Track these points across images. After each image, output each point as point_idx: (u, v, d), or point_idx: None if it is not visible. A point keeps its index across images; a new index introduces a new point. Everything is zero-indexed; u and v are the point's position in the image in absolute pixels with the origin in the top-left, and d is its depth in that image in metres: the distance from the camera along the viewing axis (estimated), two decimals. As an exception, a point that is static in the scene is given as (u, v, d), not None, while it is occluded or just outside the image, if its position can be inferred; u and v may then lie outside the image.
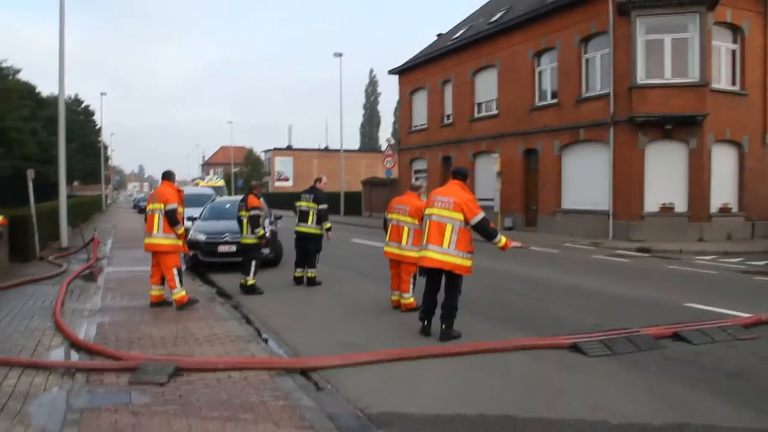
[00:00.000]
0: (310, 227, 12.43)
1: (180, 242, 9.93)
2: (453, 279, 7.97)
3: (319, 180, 13.00)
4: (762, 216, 22.90)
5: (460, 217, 7.75)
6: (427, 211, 8.09)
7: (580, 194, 24.53)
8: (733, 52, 23.04)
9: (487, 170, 29.10)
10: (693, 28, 21.39)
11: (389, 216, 10.01)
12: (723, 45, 22.75)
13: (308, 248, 12.48)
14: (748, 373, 6.55)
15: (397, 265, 9.80)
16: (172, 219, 9.65)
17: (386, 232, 10.11)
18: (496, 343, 7.55)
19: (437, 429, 5.09)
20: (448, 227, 7.80)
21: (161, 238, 9.74)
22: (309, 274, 12.50)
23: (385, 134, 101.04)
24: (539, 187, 26.65)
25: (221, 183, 42.40)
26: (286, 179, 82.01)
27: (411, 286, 9.74)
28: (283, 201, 61.52)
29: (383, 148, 41.15)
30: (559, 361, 6.98)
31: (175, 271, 9.77)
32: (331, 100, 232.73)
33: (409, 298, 9.75)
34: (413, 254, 9.26)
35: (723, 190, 22.52)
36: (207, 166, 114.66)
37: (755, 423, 5.18)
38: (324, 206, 12.50)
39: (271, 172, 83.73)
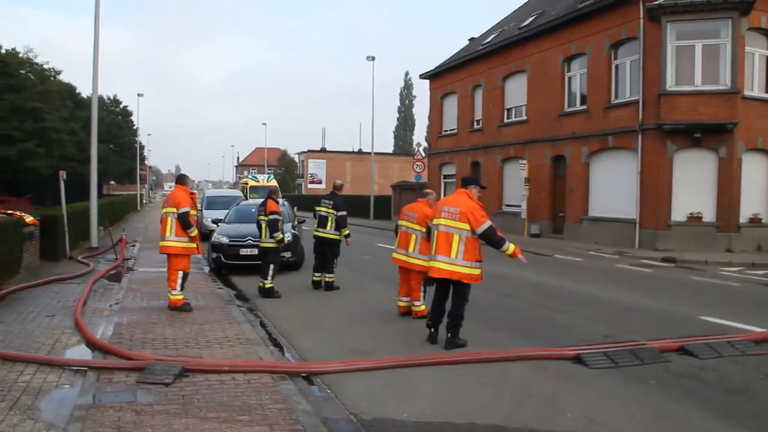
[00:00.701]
0: (328, 233, 12.64)
1: (193, 245, 10.21)
2: (461, 288, 8.06)
3: (340, 187, 13.27)
4: (794, 227, 22.54)
5: (467, 226, 7.84)
6: (435, 222, 8.18)
7: (607, 202, 24.33)
8: (767, 58, 22.66)
9: (515, 176, 29.05)
10: (725, 34, 21.09)
11: (399, 223, 10.13)
12: (757, 51, 22.33)
13: (326, 253, 12.68)
14: (750, 390, 6.53)
15: (407, 272, 9.91)
16: (184, 222, 9.95)
17: (396, 238, 10.24)
18: (498, 352, 7.64)
19: (427, 437, 5.21)
20: (456, 237, 7.90)
21: (174, 241, 10.07)
22: (327, 279, 12.70)
23: (419, 138, 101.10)
24: (566, 194, 26.50)
25: (274, 183, 36.09)
26: (319, 181, 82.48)
27: (422, 294, 9.83)
28: (315, 203, 62.02)
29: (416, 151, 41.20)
30: (560, 372, 7.03)
31: (180, 274, 10.11)
32: (365, 103, 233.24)
33: (420, 306, 9.84)
34: (420, 262, 9.43)
35: (753, 200, 22.13)
36: (241, 167, 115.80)
37: (744, 440, 5.20)
38: (343, 213, 12.73)
39: (304, 174, 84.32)
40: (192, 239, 10.13)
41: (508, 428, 5.35)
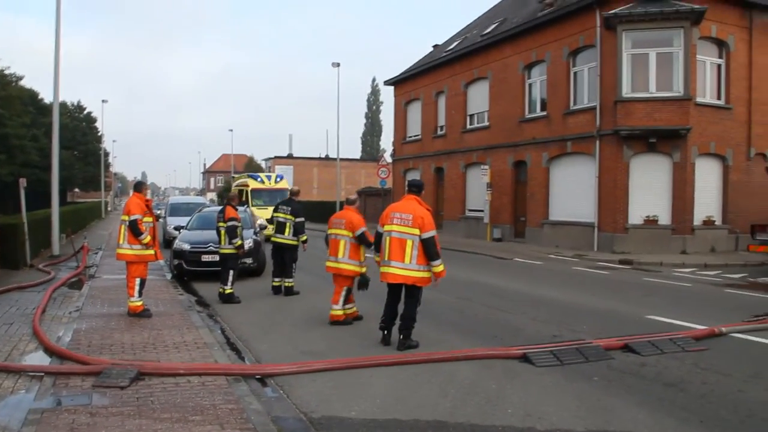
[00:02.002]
0: (286, 238, 12.85)
1: (148, 252, 10.29)
2: (413, 291, 8.30)
3: (297, 192, 13.51)
4: (745, 229, 23.12)
5: (419, 231, 8.08)
6: (387, 228, 8.35)
7: (566, 206, 24.86)
8: (719, 66, 23.36)
9: (478, 181, 29.49)
10: (678, 42, 21.73)
11: (328, 231, 10.28)
12: (708, 59, 23.07)
13: (285, 258, 12.87)
14: (683, 383, 6.85)
15: (337, 279, 10.01)
16: (134, 230, 10.06)
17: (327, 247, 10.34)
18: (448, 352, 7.87)
19: (372, 432, 5.42)
20: (409, 243, 8.13)
21: (127, 248, 10.21)
22: (286, 284, 12.87)
23: (386, 144, 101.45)
24: (528, 199, 27.00)
25: (284, 184, 31.81)
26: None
27: (341, 299, 9.88)
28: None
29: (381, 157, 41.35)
30: (506, 370, 7.29)
31: (137, 281, 10.20)
32: (333, 109, 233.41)
33: (338, 311, 9.90)
34: (350, 267, 9.71)
35: (707, 203, 22.82)
36: (208, 173, 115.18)
37: (672, 430, 5.49)
38: (301, 219, 12.99)
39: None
40: (145, 246, 10.22)
41: (450, 423, 5.59)
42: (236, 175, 41.57)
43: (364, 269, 9.93)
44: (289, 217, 12.91)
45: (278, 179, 32.46)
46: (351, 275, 9.81)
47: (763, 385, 6.84)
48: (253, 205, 28.36)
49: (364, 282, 9.88)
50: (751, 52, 23.46)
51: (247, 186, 31.42)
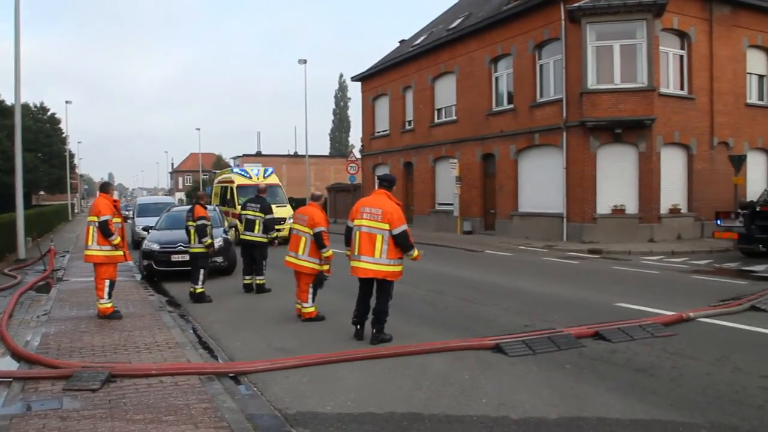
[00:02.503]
0: (256, 236, 12.84)
1: (117, 253, 10.19)
2: (385, 285, 8.31)
3: (264, 190, 13.51)
4: (710, 216, 23.52)
5: (388, 226, 8.09)
6: (357, 223, 8.35)
7: (535, 197, 25.07)
8: (681, 57, 23.71)
9: (447, 175, 29.61)
10: (641, 34, 22.00)
11: (292, 225, 10.27)
12: (671, 51, 23.41)
13: (255, 256, 12.83)
14: (654, 368, 6.96)
15: (299, 275, 9.98)
16: (104, 231, 9.94)
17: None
18: (420, 345, 7.90)
19: (348, 426, 5.41)
20: (379, 237, 8.14)
21: (96, 250, 10.07)
22: (258, 281, 12.83)
23: (355, 139, 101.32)
24: (497, 191, 27.18)
25: (274, 179, 28.26)
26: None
27: (310, 296, 9.88)
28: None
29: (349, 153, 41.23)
30: (480, 361, 7.34)
31: (106, 283, 10.09)
32: (301, 106, 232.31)
33: (309, 308, 9.89)
34: (309, 264, 9.70)
35: (672, 192, 23.19)
36: (176, 173, 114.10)
37: (643, 414, 5.57)
38: (270, 216, 12.94)
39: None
40: (115, 247, 10.11)
41: (425, 415, 5.62)
42: (217, 171, 36.11)
43: (325, 267, 9.86)
44: (258, 214, 12.92)
45: (267, 173, 28.28)
46: (310, 273, 9.78)
47: (730, 367, 6.97)
48: (239, 202, 24.30)
49: (320, 280, 9.90)
50: (712, 43, 23.86)
51: (232, 182, 27.25)
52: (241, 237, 13.15)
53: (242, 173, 28.14)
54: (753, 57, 25.59)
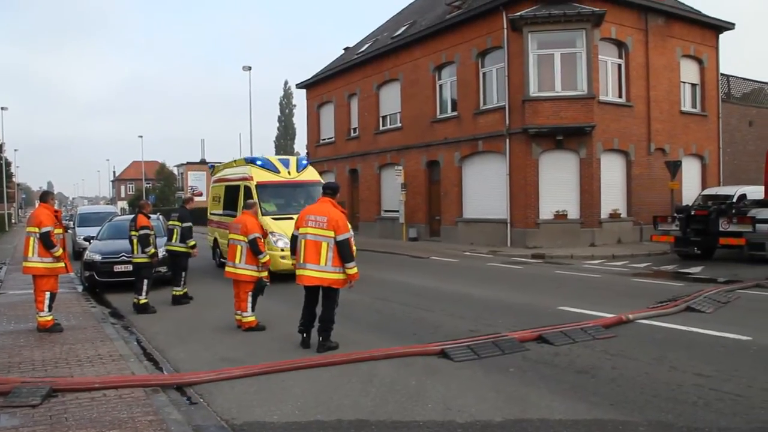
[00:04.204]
0: (173, 245, 12.71)
1: (59, 264, 9.94)
2: (330, 292, 8.33)
3: (189, 200, 13.59)
4: (648, 220, 24.21)
5: (333, 234, 8.13)
6: (302, 231, 8.36)
7: (480, 204, 25.39)
8: (619, 66, 24.38)
9: (392, 182, 29.75)
10: (580, 43, 22.56)
11: (229, 236, 10.24)
12: (609, 59, 24.06)
13: (176, 265, 12.73)
14: (595, 370, 7.15)
15: (238, 285, 9.97)
16: (46, 242, 9.67)
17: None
18: (367, 352, 7.94)
19: (295, 435, 5.42)
20: (324, 245, 8.16)
21: (36, 261, 9.79)
22: (174, 292, 12.67)
23: (300, 147, 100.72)
24: (441, 198, 27.43)
25: (311, 175, 18.69)
26: (200, 194, 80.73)
27: (249, 305, 9.87)
28: (196, 216, 60.79)
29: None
30: (426, 367, 7.41)
31: (47, 295, 9.82)
32: (245, 113, 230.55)
33: (249, 317, 9.87)
34: (247, 272, 9.76)
35: (613, 197, 23.78)
36: (118, 182, 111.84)
37: (585, 414, 5.72)
38: (187, 224, 12.78)
39: (184, 186, 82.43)
40: (57, 259, 9.86)
41: (372, 421, 5.65)
42: (218, 164, 23.52)
43: (263, 274, 9.93)
44: (176, 223, 12.75)
45: (301, 166, 18.44)
46: (249, 280, 9.80)
47: (667, 366, 7.21)
48: (264, 213, 16.15)
49: (260, 287, 9.90)
50: (648, 52, 24.63)
51: (250, 179, 17.49)
52: (165, 248, 13.11)
53: (265, 166, 18.02)
54: (686, 66, 26.57)
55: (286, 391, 6.58)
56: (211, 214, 20.90)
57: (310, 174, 18.52)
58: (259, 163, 18.02)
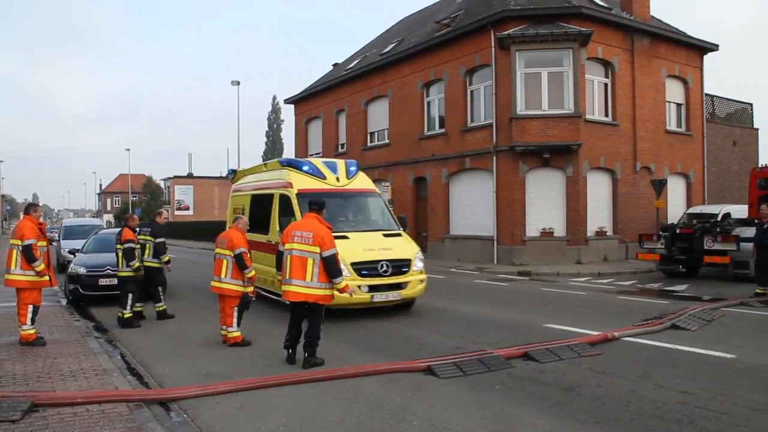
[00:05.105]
0: (145, 260, 12.40)
1: (43, 278, 9.84)
2: (316, 308, 8.32)
3: (159, 214, 13.38)
4: (634, 238, 24.31)
5: (319, 249, 8.12)
6: (288, 246, 8.36)
7: (467, 220, 25.47)
8: (605, 85, 24.61)
9: (380, 198, 29.65)
10: (567, 62, 22.76)
11: (215, 251, 10.19)
12: (596, 79, 24.28)
13: (151, 282, 12.47)
14: (581, 387, 7.15)
15: (223, 299, 9.92)
16: (28, 256, 9.57)
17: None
18: (353, 368, 7.91)
19: (279, 451, 5.39)
20: (310, 261, 8.16)
21: (19, 274, 9.70)
22: (156, 308, 12.51)
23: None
24: (428, 214, 27.50)
25: (364, 183, 14.94)
26: (187, 208, 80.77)
27: (234, 320, 9.81)
28: (183, 230, 60.60)
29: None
30: (411, 383, 7.39)
31: (30, 308, 9.71)
32: (233, 128, 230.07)
33: (234, 332, 9.81)
34: (232, 287, 9.73)
35: (599, 215, 23.90)
36: (104, 194, 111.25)
37: (570, 432, 5.73)
38: (160, 240, 12.57)
39: (170, 200, 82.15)
40: (38, 273, 9.76)
41: (357, 438, 5.64)
42: (239, 170, 19.20)
43: (249, 289, 9.92)
44: (149, 238, 12.46)
45: (351, 172, 14.52)
46: (235, 295, 9.76)
47: (652, 384, 7.22)
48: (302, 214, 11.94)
49: (245, 302, 9.88)
50: (634, 72, 24.89)
51: (288, 187, 13.66)
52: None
53: (309, 171, 14.02)
54: (671, 86, 26.87)
55: (271, 407, 6.54)
56: None
57: (363, 181, 14.85)
58: (306, 168, 13.94)
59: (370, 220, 13.99)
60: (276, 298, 12.62)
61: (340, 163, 14.58)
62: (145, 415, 6.28)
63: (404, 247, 12.76)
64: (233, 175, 18.65)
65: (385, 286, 11.85)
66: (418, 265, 12.41)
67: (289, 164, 14.33)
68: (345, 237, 11.92)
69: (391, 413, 6.30)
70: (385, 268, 11.81)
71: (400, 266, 12.11)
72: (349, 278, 10.38)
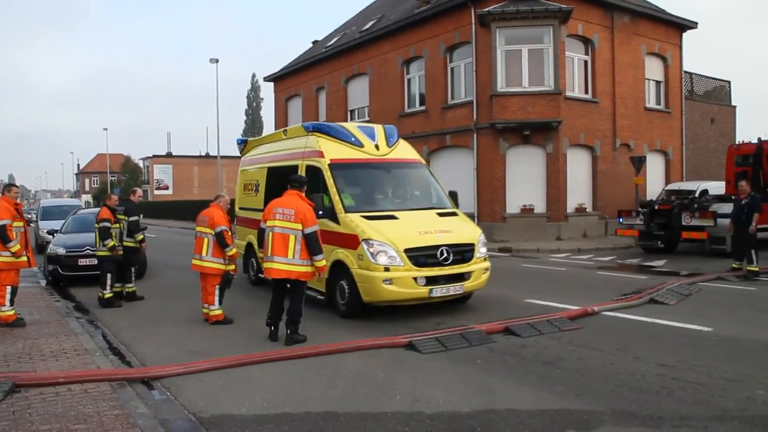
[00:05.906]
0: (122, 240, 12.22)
1: (20, 259, 9.72)
2: (298, 285, 8.33)
3: (133, 192, 13.20)
4: (613, 215, 24.51)
5: (301, 226, 8.12)
6: (269, 224, 8.34)
7: (448, 198, 25.43)
8: (585, 62, 24.66)
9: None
10: (548, 39, 22.77)
11: (196, 228, 10.14)
12: (576, 56, 24.32)
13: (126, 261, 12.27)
14: (561, 361, 7.25)
15: (205, 278, 9.91)
16: (3, 236, 9.44)
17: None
18: (335, 345, 7.94)
19: (263, 427, 5.41)
20: (291, 238, 8.15)
21: None
22: (127, 289, 12.31)
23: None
24: (410, 192, 27.41)
25: (406, 152, 12.48)
26: (166, 187, 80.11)
27: (216, 298, 9.80)
28: (162, 209, 60.21)
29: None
30: (393, 359, 7.45)
31: (8, 289, 9.63)
32: (212, 106, 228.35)
33: (216, 310, 9.81)
34: (213, 265, 9.71)
35: (578, 192, 24.08)
36: (82, 175, 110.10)
37: (551, 404, 5.81)
38: (134, 218, 12.27)
39: (150, 180, 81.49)
40: (15, 254, 9.66)
41: (341, 413, 5.67)
42: (253, 138, 17.25)
43: (230, 267, 9.92)
44: (123, 217, 12.22)
45: (392, 139, 12.09)
46: (216, 273, 9.76)
47: (631, 357, 7.34)
48: (347, 210, 10.35)
49: (227, 280, 9.90)
50: (614, 49, 24.96)
51: (318, 156, 11.23)
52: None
53: (343, 138, 11.57)
54: (651, 64, 27.00)
55: (254, 384, 6.57)
56: (240, 209, 14.77)
57: (406, 150, 12.55)
58: (338, 134, 11.61)
59: (418, 196, 11.89)
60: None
61: (379, 129, 12.11)
62: (128, 393, 6.28)
63: (465, 228, 10.61)
64: (243, 145, 16.01)
65: (446, 277, 9.72)
66: (481, 251, 10.34)
67: (318, 129, 11.87)
68: (393, 217, 10.21)
69: (374, 388, 6.35)
70: (445, 255, 9.67)
71: (463, 252, 9.98)
72: (401, 269, 9.32)
